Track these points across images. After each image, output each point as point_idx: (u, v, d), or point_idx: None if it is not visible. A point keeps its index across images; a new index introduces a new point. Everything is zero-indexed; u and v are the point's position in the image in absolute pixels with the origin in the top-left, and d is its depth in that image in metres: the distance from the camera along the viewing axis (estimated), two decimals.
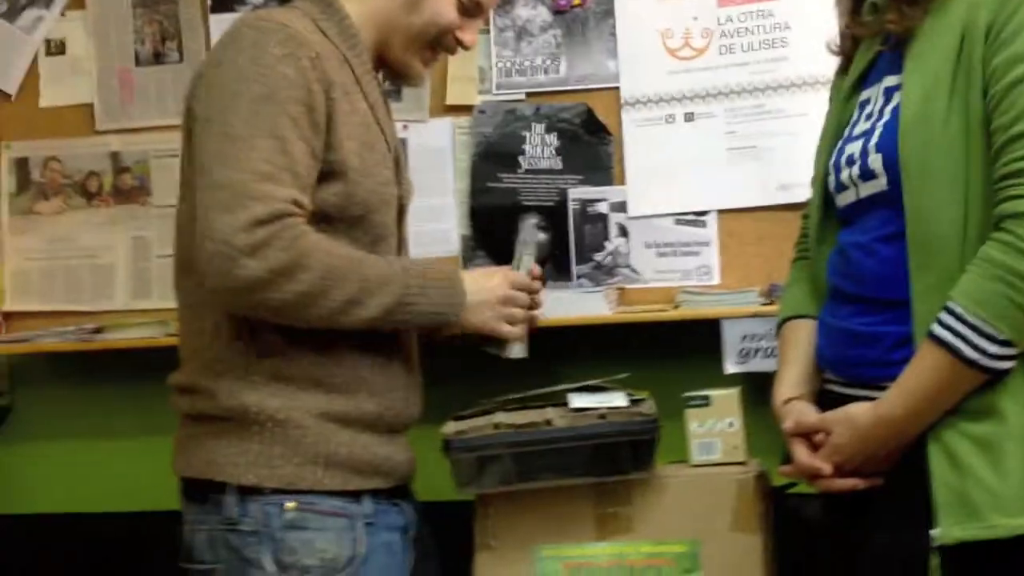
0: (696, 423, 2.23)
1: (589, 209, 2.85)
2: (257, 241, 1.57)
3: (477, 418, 2.18)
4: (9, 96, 3.24)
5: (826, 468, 1.61)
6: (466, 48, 1.97)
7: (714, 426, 2.22)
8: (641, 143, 2.84)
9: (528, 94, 2.88)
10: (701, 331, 2.67)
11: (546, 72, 2.86)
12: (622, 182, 2.84)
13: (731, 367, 2.62)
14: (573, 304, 2.68)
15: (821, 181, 1.76)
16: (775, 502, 2.21)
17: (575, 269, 2.83)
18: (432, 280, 1.75)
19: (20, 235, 3.21)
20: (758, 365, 2.58)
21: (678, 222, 2.81)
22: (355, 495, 1.74)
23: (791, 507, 2.16)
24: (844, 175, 1.65)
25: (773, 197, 2.75)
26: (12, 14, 3.25)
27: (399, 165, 1.91)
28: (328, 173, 1.70)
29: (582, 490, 2.15)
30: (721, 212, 2.80)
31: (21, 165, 3.23)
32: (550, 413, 2.15)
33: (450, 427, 2.14)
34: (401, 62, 1.91)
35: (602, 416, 2.11)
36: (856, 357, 1.63)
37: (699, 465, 2.23)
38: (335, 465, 1.72)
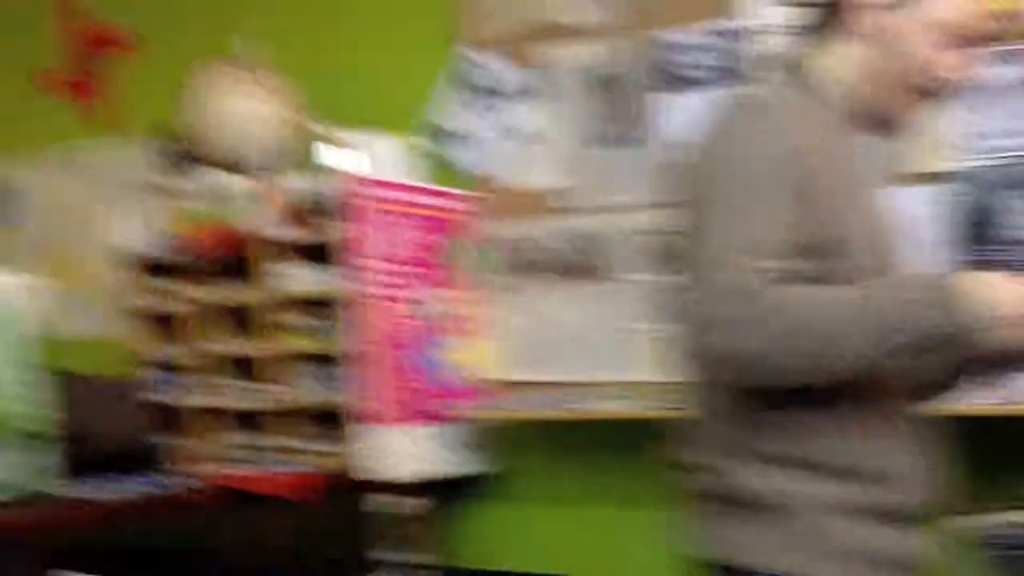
0: None
1: None
2: (744, 307, 1.57)
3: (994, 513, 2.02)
4: (486, 182, 3.50)
5: None
6: (954, 83, 1.87)
7: None
8: None
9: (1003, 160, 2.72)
10: None
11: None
12: None
13: None
14: None
15: None
16: None
17: None
18: (912, 290, 1.65)
19: (504, 310, 3.42)
20: None
21: None
22: None
23: None
24: None
25: None
26: (493, 108, 3.51)
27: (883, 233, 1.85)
28: (817, 247, 1.69)
29: None
30: None
31: (505, 246, 3.45)
32: None
33: (981, 520, 1.98)
34: (889, 112, 1.85)
35: None
36: None
37: None
38: (846, 557, 1.68)
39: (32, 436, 2.40)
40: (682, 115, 3.07)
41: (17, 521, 2.36)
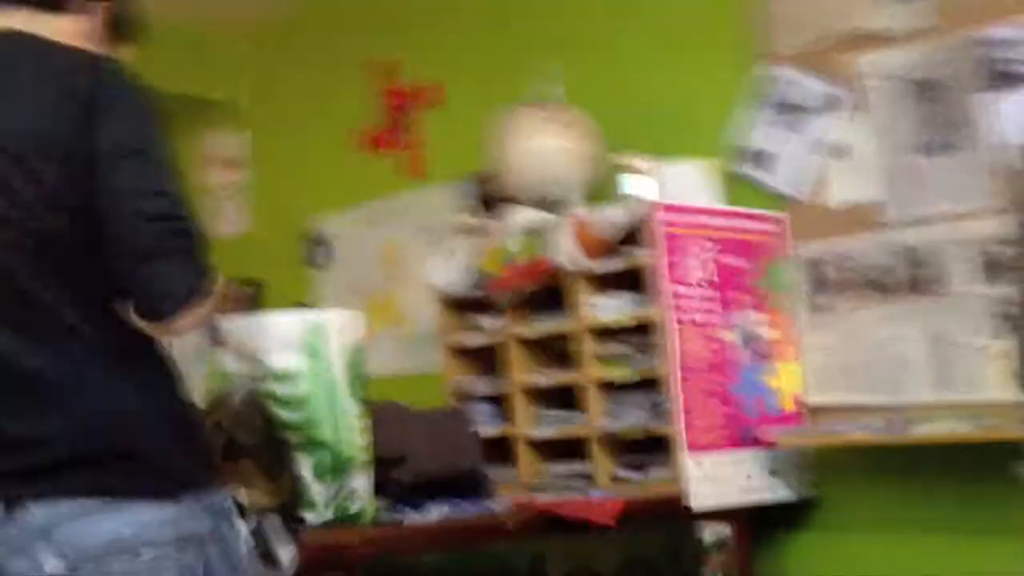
0: None
1: None
2: None
3: None
4: (799, 201, 3.42)
5: None
6: None
7: None
8: None
9: None
10: None
11: None
12: None
13: None
14: None
15: None
16: None
17: None
18: None
19: (817, 332, 3.35)
20: None
21: None
22: None
23: None
24: None
25: None
26: (796, 123, 3.44)
27: None
28: None
29: None
30: None
31: (814, 265, 3.37)
32: None
33: None
34: None
35: None
36: None
37: None
38: None
39: (366, 464, 2.51)
40: (1014, 115, 2.91)
41: (347, 544, 2.47)
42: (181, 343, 2.50)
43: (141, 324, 1.61)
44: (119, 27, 1.93)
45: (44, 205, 1.59)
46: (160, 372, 1.70)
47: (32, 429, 1.60)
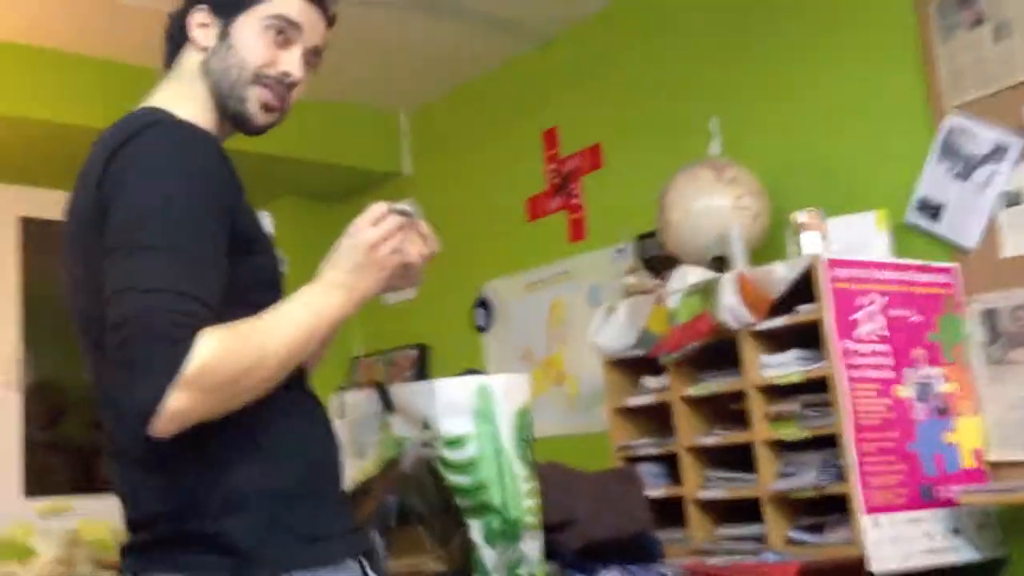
0: None
1: None
2: None
3: None
4: (970, 251, 3.32)
5: None
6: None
7: None
8: None
9: None
10: None
11: None
12: None
13: None
14: None
15: None
16: None
17: None
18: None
19: (996, 385, 3.23)
20: None
21: None
22: None
23: None
24: None
25: None
26: (966, 172, 3.35)
27: None
28: None
29: None
30: None
31: (989, 316, 3.27)
32: None
33: None
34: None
35: None
36: None
37: None
38: None
39: (535, 528, 2.52)
40: None
41: None
42: (354, 409, 2.57)
43: None
44: (225, 10, 1.80)
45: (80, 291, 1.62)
46: (249, 446, 1.59)
47: (132, 508, 1.65)
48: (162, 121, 1.61)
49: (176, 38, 1.80)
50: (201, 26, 1.77)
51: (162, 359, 1.42)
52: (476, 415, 2.46)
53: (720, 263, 3.66)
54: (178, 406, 1.43)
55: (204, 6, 1.77)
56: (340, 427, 2.53)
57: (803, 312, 3.22)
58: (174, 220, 1.50)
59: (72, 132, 4.55)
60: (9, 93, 4.61)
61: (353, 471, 2.48)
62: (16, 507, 5.04)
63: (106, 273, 1.50)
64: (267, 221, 1.90)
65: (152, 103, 1.73)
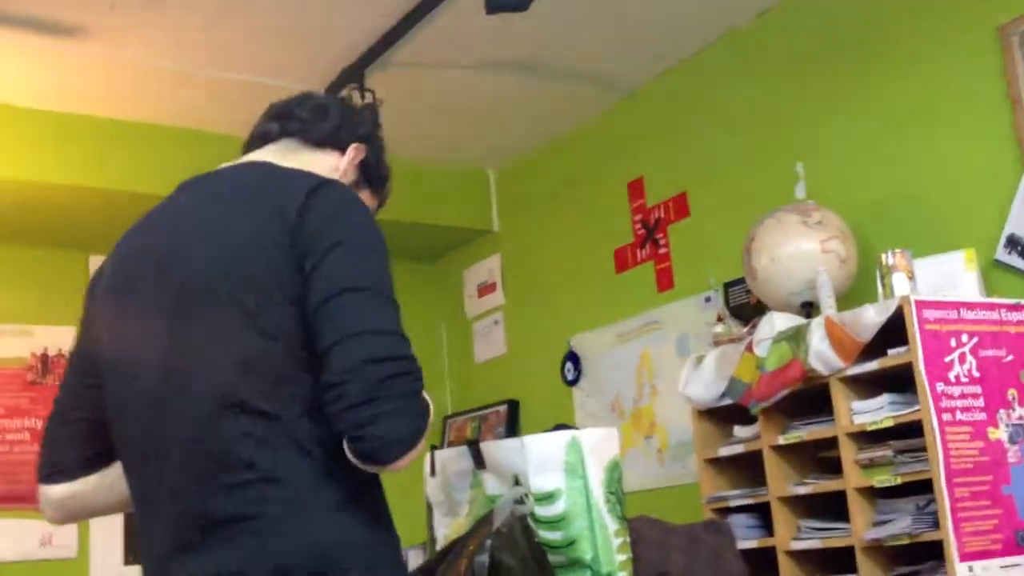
0: None
1: None
2: None
3: None
4: None
5: None
6: None
7: None
8: None
9: None
10: None
11: None
12: None
13: None
14: None
15: None
16: None
17: None
18: None
19: None
20: None
21: None
22: None
23: None
24: None
25: None
26: None
27: None
28: None
29: None
30: None
31: None
32: None
33: None
34: None
35: None
36: None
37: None
38: None
39: None
40: None
41: None
42: (446, 467, 2.62)
43: (355, 462, 1.62)
44: (367, 169, 2.06)
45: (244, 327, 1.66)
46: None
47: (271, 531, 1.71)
48: (338, 181, 1.81)
49: (292, 123, 1.98)
50: (352, 162, 2.01)
51: (424, 405, 1.63)
52: (566, 470, 2.48)
53: (808, 308, 3.65)
54: (420, 450, 1.61)
55: (364, 149, 2.02)
56: (433, 485, 2.58)
57: (893, 356, 3.20)
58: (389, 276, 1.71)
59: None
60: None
61: (446, 528, 2.53)
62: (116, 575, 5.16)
63: (350, 299, 1.63)
64: None
65: (287, 164, 1.89)
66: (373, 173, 2.07)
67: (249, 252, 1.69)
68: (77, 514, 1.86)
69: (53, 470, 1.83)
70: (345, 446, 1.60)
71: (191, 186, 1.89)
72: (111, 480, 1.84)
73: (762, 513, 3.62)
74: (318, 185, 1.72)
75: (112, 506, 1.87)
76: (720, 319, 4.03)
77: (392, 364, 1.59)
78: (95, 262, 5.20)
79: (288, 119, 1.99)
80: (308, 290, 1.64)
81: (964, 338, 3.14)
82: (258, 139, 2.00)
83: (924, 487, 3.06)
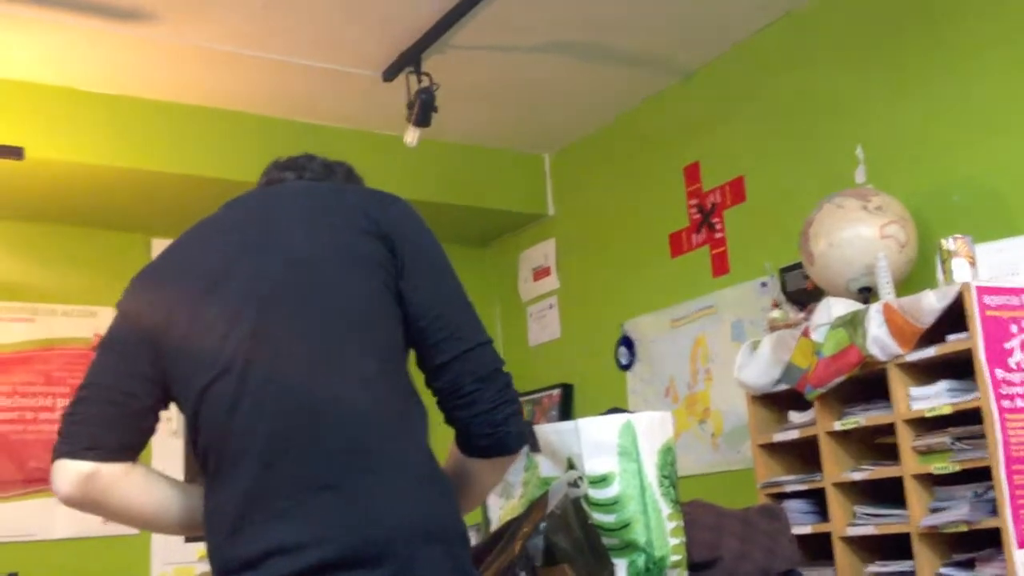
0: None
1: None
2: None
3: None
4: None
5: None
6: None
7: None
8: None
9: None
10: None
11: None
12: None
13: None
14: None
15: None
16: None
17: None
18: None
19: None
20: None
21: None
22: None
23: None
24: None
25: None
26: None
27: None
28: None
29: None
30: None
31: None
32: None
33: None
34: None
35: None
36: None
37: None
38: None
39: (680, 566, 2.53)
40: None
41: None
42: None
43: (473, 455, 1.81)
44: None
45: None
46: None
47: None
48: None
49: (306, 173, 2.09)
50: None
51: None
52: (620, 453, 2.49)
53: (866, 294, 3.62)
54: None
55: None
56: None
57: (953, 342, 3.17)
58: None
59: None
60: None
61: (500, 511, 2.54)
62: (177, 554, 5.24)
63: (452, 310, 1.79)
64: None
65: None
66: None
67: (350, 237, 1.79)
68: (95, 497, 1.79)
69: (83, 446, 1.78)
70: (466, 442, 1.79)
71: (246, 200, 1.93)
72: (141, 475, 1.81)
73: (816, 499, 3.61)
74: (385, 194, 1.89)
75: (130, 503, 1.80)
76: (776, 304, 4.01)
77: (506, 372, 1.79)
78: (158, 245, 5.27)
79: (301, 170, 2.08)
80: (412, 299, 1.78)
81: None
82: (275, 184, 2.05)
83: (982, 474, 3.04)
